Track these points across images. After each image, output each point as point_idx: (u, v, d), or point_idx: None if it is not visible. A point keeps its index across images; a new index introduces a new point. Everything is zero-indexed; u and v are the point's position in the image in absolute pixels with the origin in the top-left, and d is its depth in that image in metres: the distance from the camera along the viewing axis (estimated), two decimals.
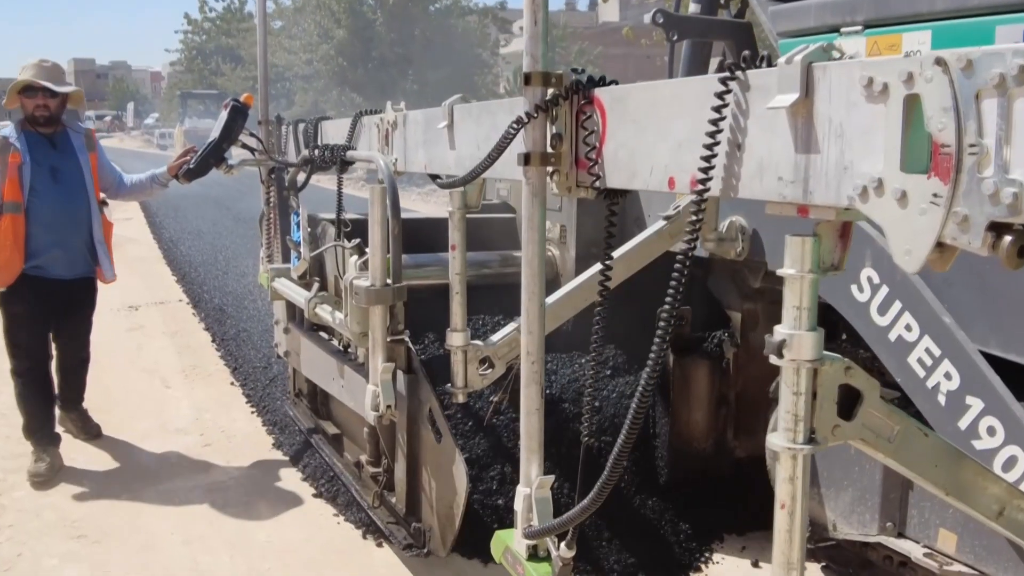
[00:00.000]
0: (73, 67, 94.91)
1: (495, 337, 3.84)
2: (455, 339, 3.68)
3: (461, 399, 3.75)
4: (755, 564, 4.20)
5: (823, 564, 4.11)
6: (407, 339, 3.90)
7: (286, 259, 5.21)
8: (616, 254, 4.11)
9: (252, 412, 6.12)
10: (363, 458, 4.35)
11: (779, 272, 1.91)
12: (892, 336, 3.49)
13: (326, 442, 5.03)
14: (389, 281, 3.73)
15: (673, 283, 2.04)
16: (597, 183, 2.43)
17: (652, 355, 2.07)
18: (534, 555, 2.82)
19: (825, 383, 1.96)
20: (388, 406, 3.71)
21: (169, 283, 10.91)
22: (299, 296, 4.59)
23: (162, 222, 16.41)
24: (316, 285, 4.43)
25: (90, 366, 5.62)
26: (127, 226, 15.80)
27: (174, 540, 4.35)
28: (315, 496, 4.80)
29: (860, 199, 1.62)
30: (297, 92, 35.52)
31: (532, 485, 2.79)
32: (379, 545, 4.22)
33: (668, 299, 2.04)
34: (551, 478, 2.78)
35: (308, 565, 4.10)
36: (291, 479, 5.03)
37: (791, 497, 1.97)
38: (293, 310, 5.25)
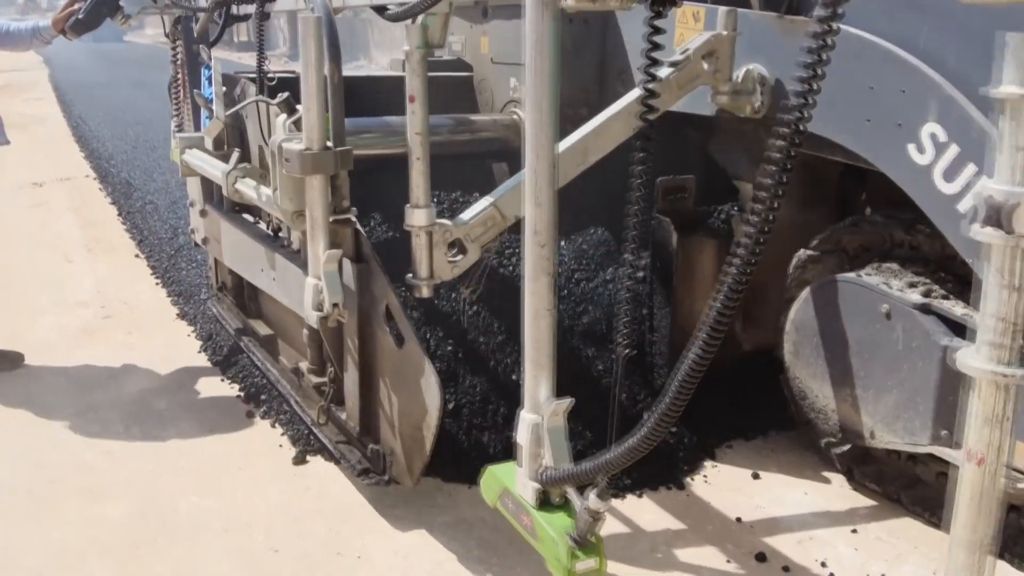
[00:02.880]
0: None
1: (465, 215, 3.08)
2: (417, 218, 2.90)
3: (426, 293, 3.01)
4: (755, 476, 3.61)
5: (851, 476, 3.53)
6: (354, 219, 3.10)
7: (200, 127, 4.29)
8: (606, 114, 3.33)
9: (157, 283, 5.90)
10: (303, 365, 3.59)
11: (996, 94, 1.16)
12: (963, 207, 2.82)
13: (257, 345, 4.25)
14: (330, 143, 2.89)
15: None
16: None
17: (732, 273, 1.47)
18: (546, 502, 2.13)
19: None
20: (335, 304, 2.93)
21: (77, 160, 10.46)
22: (215, 169, 3.72)
23: (73, 100, 15.43)
24: (236, 154, 3.56)
25: None
26: (37, 105, 15.22)
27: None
28: (248, 414, 4.03)
29: None
30: None
31: (543, 412, 2.08)
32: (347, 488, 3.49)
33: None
34: (567, 402, 2.07)
35: (242, 488, 3.37)
36: (216, 387, 4.26)
37: (992, 446, 1.28)
38: (210, 188, 4.36)
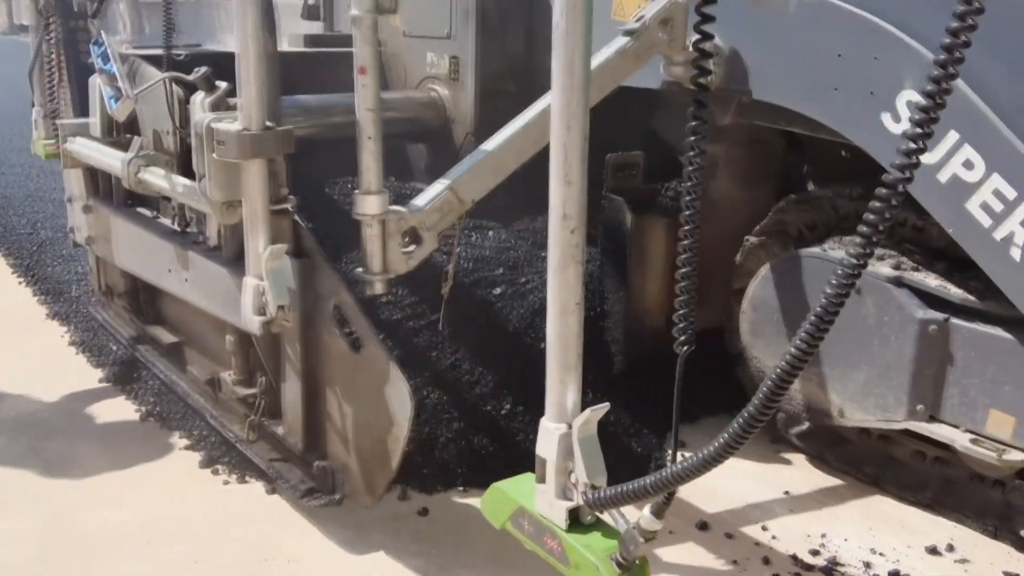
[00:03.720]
0: None
1: (419, 201, 2.78)
2: (370, 205, 2.59)
3: (379, 289, 2.70)
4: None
5: (819, 458, 3.44)
6: (292, 208, 2.74)
7: (81, 114, 3.75)
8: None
9: (20, 283, 5.38)
10: (227, 376, 3.19)
11: None
12: (944, 176, 2.73)
13: (158, 355, 3.78)
14: (269, 123, 2.52)
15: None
16: None
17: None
18: (575, 521, 1.88)
19: None
20: (281, 307, 2.56)
21: None
22: (111, 159, 3.24)
23: None
24: (138, 141, 3.10)
25: None
26: None
27: None
28: (152, 428, 3.57)
29: None
30: None
31: (572, 421, 1.82)
32: (270, 492, 3.12)
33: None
34: (602, 409, 1.82)
35: (157, 501, 2.96)
36: (113, 401, 3.77)
37: None
38: (95, 181, 3.83)
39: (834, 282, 1.53)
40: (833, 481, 3.37)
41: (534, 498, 1.96)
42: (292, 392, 2.89)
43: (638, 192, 3.51)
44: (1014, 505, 3.01)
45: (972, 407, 2.87)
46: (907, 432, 3.09)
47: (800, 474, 3.41)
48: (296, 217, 2.74)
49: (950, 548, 2.99)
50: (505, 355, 3.31)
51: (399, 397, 2.51)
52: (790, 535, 3.01)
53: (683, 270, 1.88)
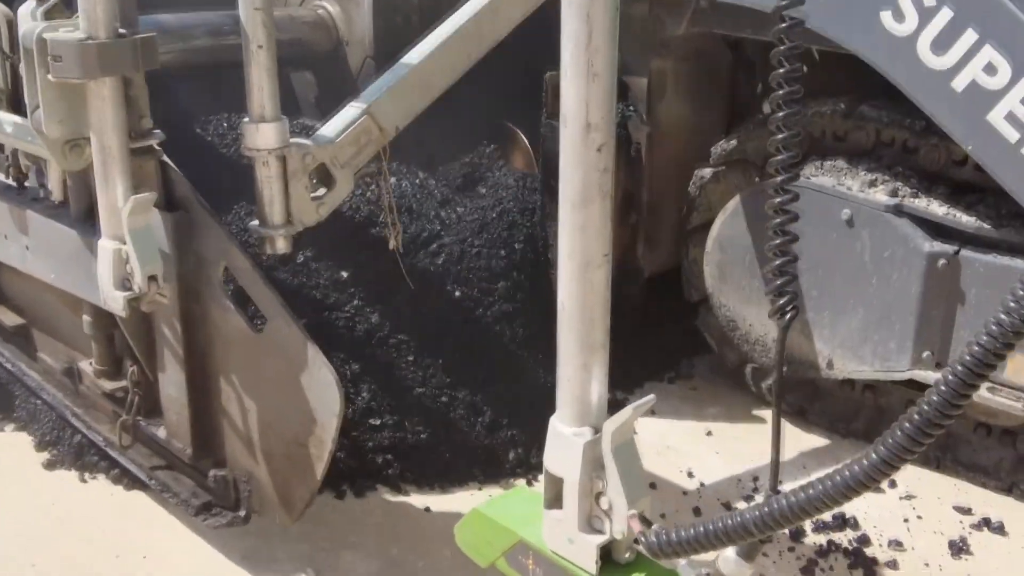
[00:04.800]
0: None
1: (327, 130, 2.18)
2: (263, 136, 1.99)
3: (282, 247, 2.11)
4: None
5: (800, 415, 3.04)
6: (159, 146, 2.08)
7: None
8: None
9: None
10: (86, 365, 2.52)
11: None
12: (959, 84, 2.29)
13: (1, 340, 3.04)
14: (122, 29, 1.85)
15: None
16: None
17: None
18: (606, 559, 1.35)
19: None
20: (151, 277, 1.92)
21: None
22: None
23: None
24: None
25: None
26: None
27: None
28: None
29: None
30: None
31: (603, 424, 1.29)
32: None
33: None
34: (645, 403, 1.30)
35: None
36: None
37: None
38: None
39: None
40: (753, 418, 3.10)
41: (539, 528, 1.42)
42: (173, 385, 2.25)
43: None
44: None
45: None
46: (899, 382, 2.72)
47: (720, 412, 3.12)
48: (165, 158, 2.08)
49: (892, 484, 2.73)
50: (447, 327, 2.76)
51: (322, 388, 1.93)
52: (719, 482, 2.75)
53: (777, 241, 1.34)
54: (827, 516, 2.51)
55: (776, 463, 1.25)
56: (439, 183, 2.99)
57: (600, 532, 1.35)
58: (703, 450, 2.91)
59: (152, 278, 1.92)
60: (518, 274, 2.93)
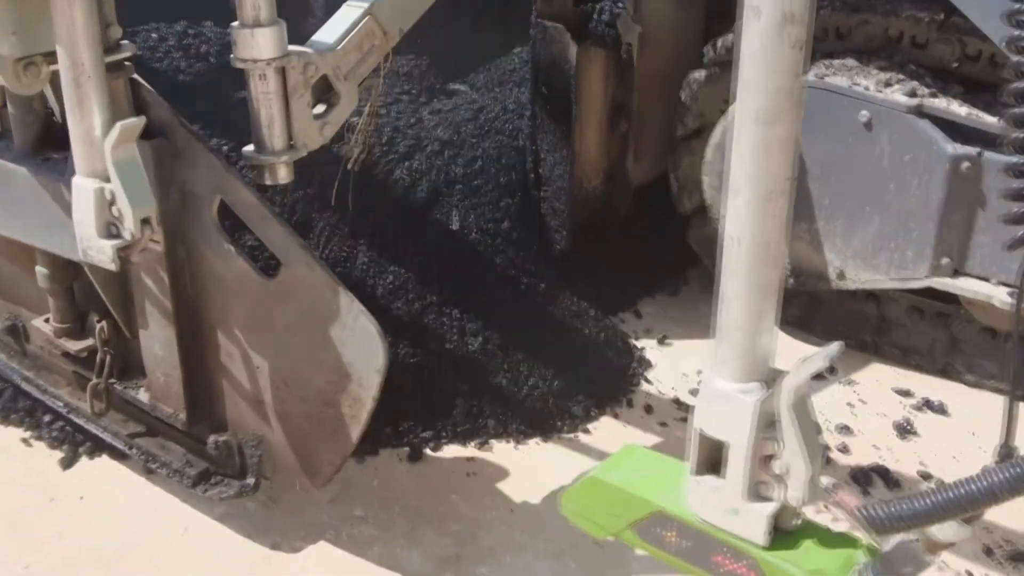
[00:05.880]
0: None
1: (325, 36, 1.88)
2: (260, 45, 1.69)
3: (283, 176, 1.82)
4: (662, 341, 2.89)
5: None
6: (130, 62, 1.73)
7: None
8: None
9: None
10: (42, 324, 2.17)
11: None
12: None
13: None
14: None
15: None
16: None
17: None
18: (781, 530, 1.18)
19: None
20: (145, 220, 1.60)
21: None
22: None
23: None
24: None
25: None
26: None
27: None
28: None
29: None
30: None
31: (778, 379, 1.11)
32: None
33: None
34: (831, 351, 1.11)
35: None
36: None
37: None
38: None
39: None
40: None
41: (678, 496, 1.24)
42: (159, 342, 1.94)
43: (569, 17, 2.69)
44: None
45: (1009, 256, 2.40)
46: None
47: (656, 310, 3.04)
48: (138, 77, 1.73)
49: (832, 371, 2.73)
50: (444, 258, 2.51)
51: (361, 340, 1.67)
52: (666, 378, 2.70)
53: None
54: None
55: (1011, 429, 1.09)
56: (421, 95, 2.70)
57: (768, 499, 1.18)
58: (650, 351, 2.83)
59: (145, 220, 1.60)
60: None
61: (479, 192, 2.62)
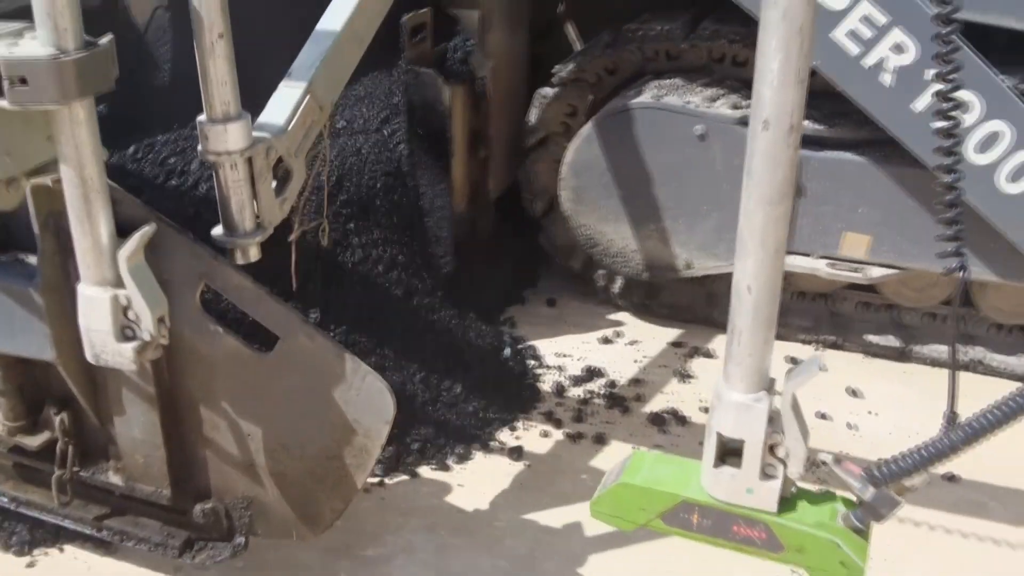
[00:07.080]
0: None
1: (274, 117, 2.03)
2: (232, 138, 1.83)
3: (254, 255, 1.96)
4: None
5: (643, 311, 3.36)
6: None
7: None
8: None
9: None
10: None
11: None
12: None
13: None
14: (88, 37, 1.55)
15: None
16: None
17: None
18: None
19: None
20: (160, 319, 1.69)
21: None
22: None
23: None
24: None
25: None
26: None
27: None
28: None
29: None
30: None
31: (779, 387, 1.47)
32: None
33: None
34: (816, 364, 1.49)
35: None
36: None
37: None
38: None
39: None
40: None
41: (696, 486, 1.57)
42: (137, 427, 1.99)
43: (430, 59, 2.90)
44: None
45: (825, 233, 2.94)
46: None
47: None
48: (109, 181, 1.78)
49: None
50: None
51: (371, 396, 1.84)
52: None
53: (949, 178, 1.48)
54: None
55: (952, 396, 1.48)
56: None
57: (774, 477, 1.53)
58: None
59: (160, 320, 1.68)
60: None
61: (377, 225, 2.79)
